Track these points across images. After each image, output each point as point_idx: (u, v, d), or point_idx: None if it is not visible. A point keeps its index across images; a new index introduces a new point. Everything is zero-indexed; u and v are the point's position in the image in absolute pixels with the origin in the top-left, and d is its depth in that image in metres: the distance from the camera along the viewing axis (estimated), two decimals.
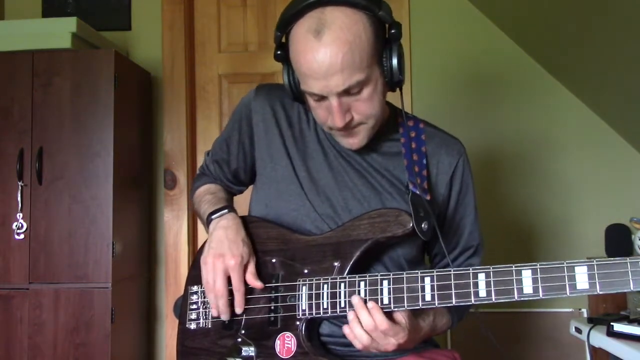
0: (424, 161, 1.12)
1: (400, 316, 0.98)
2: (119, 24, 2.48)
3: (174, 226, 2.41)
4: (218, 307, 1.07)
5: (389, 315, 0.97)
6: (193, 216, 2.41)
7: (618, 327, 1.61)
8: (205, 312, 1.13)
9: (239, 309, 1.07)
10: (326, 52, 0.95)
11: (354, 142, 1.08)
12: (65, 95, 2.01)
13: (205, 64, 2.51)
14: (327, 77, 0.97)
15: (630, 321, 1.62)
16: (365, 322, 0.96)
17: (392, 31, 1.01)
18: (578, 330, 1.81)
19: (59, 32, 2.03)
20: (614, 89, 2.03)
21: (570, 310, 2.19)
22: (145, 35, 2.47)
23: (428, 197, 1.06)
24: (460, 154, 1.16)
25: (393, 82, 1.03)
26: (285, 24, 1.01)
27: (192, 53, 2.50)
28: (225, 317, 1.08)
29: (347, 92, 0.99)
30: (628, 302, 1.82)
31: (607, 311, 1.92)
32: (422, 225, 1.01)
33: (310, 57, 0.97)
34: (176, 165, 2.42)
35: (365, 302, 0.97)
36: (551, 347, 2.20)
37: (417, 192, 1.05)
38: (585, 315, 2.11)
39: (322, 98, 1.02)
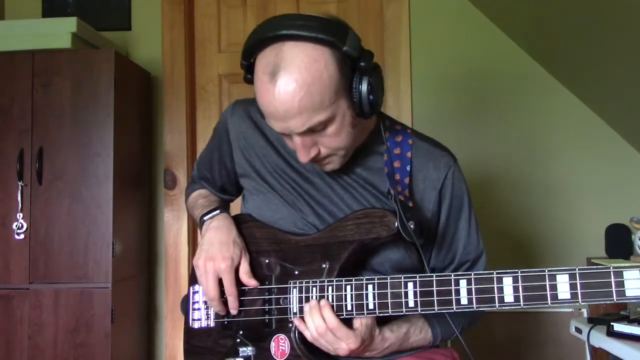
0: (408, 168, 1.08)
1: (358, 322, 0.98)
2: (119, 24, 2.48)
3: (174, 226, 2.41)
4: (216, 309, 1.10)
5: (349, 320, 0.98)
6: None
7: (618, 327, 1.60)
8: (207, 311, 1.14)
9: (233, 311, 1.08)
10: (281, 96, 0.91)
11: (327, 167, 1.07)
12: (65, 95, 2.01)
13: (205, 64, 2.50)
14: (286, 120, 0.94)
15: (630, 321, 1.62)
16: (316, 323, 0.97)
17: (362, 64, 0.95)
18: (578, 330, 1.81)
19: (59, 32, 2.03)
20: (614, 88, 2.03)
21: (570, 310, 2.19)
22: (145, 35, 2.47)
23: (410, 204, 1.04)
24: (448, 166, 1.10)
25: (364, 113, 0.97)
26: (248, 55, 0.98)
27: (192, 53, 2.50)
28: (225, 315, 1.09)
29: (310, 130, 0.96)
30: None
31: (607, 311, 1.92)
32: (408, 225, 0.98)
33: (267, 101, 0.94)
34: (176, 165, 2.42)
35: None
36: (551, 347, 2.20)
37: (399, 198, 1.02)
38: (585, 315, 2.11)
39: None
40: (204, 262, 1.07)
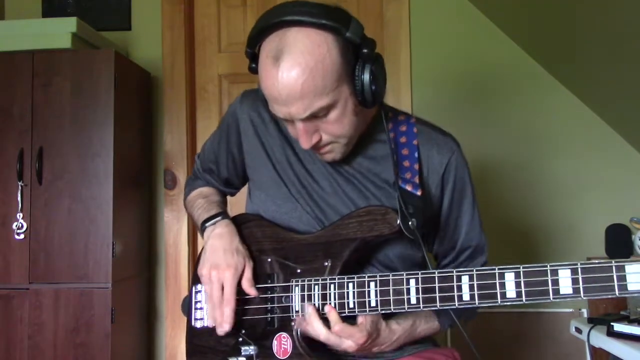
0: (416, 154, 1.09)
1: (362, 317, 0.99)
2: (119, 24, 2.48)
3: (174, 226, 2.41)
4: (215, 318, 1.07)
5: (353, 317, 0.99)
6: None
7: (618, 327, 1.61)
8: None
9: (226, 325, 1.04)
10: (284, 79, 0.92)
11: (328, 157, 1.07)
12: (65, 95, 2.01)
13: (205, 64, 2.50)
14: (288, 104, 0.95)
15: (630, 321, 1.62)
16: (317, 330, 0.98)
17: (364, 51, 0.96)
18: (578, 330, 1.81)
19: (59, 32, 2.03)
20: (614, 88, 2.03)
21: (570, 310, 2.19)
22: (145, 35, 2.47)
23: (419, 193, 1.04)
24: (452, 151, 1.11)
25: (366, 101, 0.99)
26: (253, 42, 0.99)
27: (192, 53, 2.50)
28: (220, 329, 1.05)
29: (312, 116, 0.97)
30: (628, 302, 1.82)
31: (607, 311, 1.92)
32: (410, 223, 0.99)
33: (270, 84, 0.95)
34: (176, 165, 2.42)
35: (319, 309, 0.99)
36: (551, 347, 2.20)
37: (406, 189, 1.03)
38: (585, 315, 2.11)
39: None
40: (208, 270, 1.07)
